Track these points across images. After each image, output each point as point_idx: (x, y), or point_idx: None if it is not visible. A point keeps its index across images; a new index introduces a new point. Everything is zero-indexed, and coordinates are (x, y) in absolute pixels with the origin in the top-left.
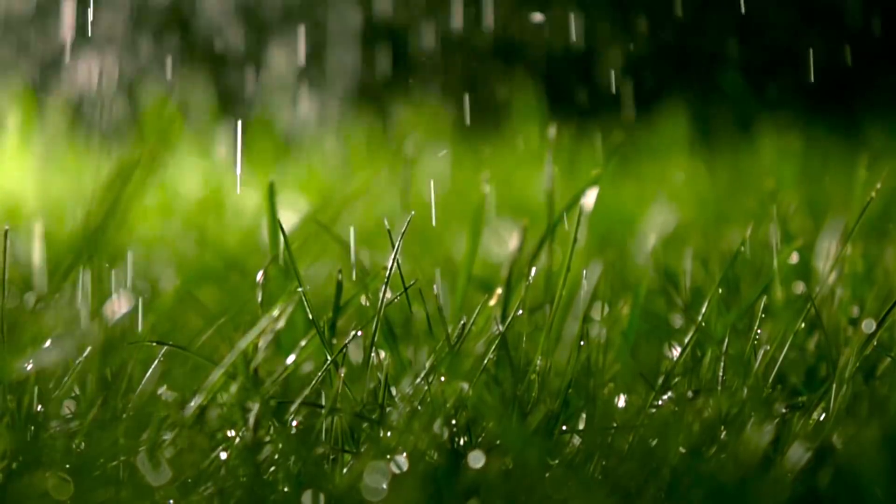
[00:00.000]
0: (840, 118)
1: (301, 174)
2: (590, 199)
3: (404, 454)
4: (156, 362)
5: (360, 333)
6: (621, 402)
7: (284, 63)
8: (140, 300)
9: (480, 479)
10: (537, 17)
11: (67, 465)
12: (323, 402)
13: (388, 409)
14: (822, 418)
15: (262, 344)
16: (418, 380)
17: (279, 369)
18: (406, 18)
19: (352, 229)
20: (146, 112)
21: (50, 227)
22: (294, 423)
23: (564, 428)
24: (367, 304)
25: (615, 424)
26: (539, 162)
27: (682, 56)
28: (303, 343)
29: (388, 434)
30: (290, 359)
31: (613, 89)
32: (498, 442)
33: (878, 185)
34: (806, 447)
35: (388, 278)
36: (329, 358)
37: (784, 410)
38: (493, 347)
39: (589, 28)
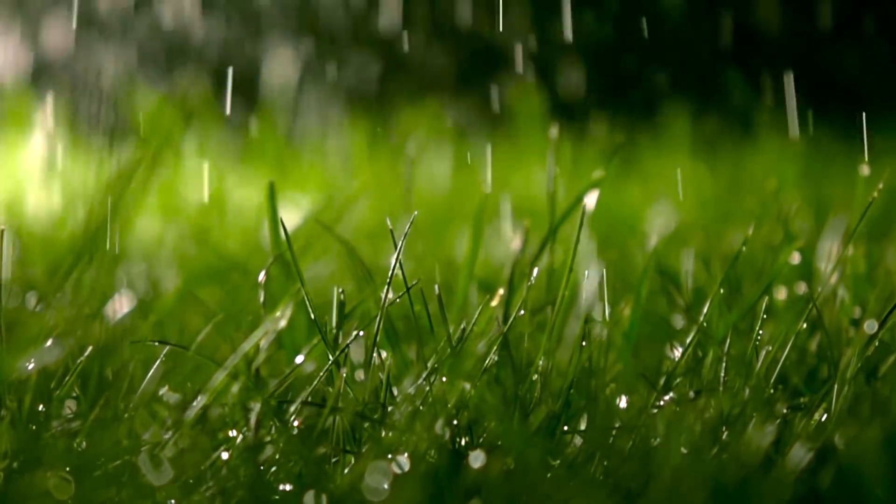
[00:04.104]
0: (841, 118)
1: (303, 174)
2: (592, 199)
3: (406, 454)
4: (157, 362)
5: (362, 334)
6: (623, 402)
7: (287, 62)
8: (141, 300)
9: (482, 480)
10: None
11: (68, 465)
12: (324, 402)
13: (389, 409)
14: (823, 419)
15: (263, 344)
16: (420, 380)
17: (282, 372)
18: (409, 19)
19: (354, 229)
20: (148, 112)
21: (51, 227)
22: (295, 423)
23: (566, 428)
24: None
25: (617, 425)
26: (541, 162)
27: (683, 56)
28: (307, 350)
29: (390, 434)
30: (299, 359)
31: (615, 90)
32: (499, 442)
33: (880, 185)
34: (807, 448)
35: (391, 279)
36: (331, 358)
37: (786, 411)
38: (495, 348)
39: (591, 28)
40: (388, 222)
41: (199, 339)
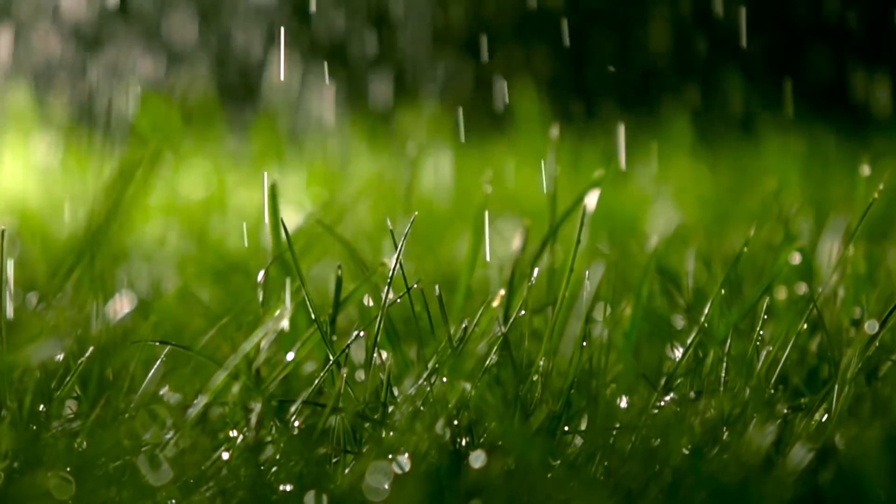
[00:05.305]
0: (842, 118)
1: (304, 175)
2: (592, 199)
3: (406, 454)
4: (158, 362)
5: (362, 334)
6: (623, 402)
7: (288, 63)
8: (142, 300)
9: (482, 480)
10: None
11: (69, 465)
12: (325, 402)
13: (390, 409)
14: (824, 419)
15: (264, 344)
16: (421, 380)
17: (280, 368)
18: (409, 19)
19: (354, 230)
20: (148, 111)
21: (52, 226)
22: (296, 423)
23: (566, 428)
24: (370, 303)
25: (617, 425)
26: (542, 162)
27: (684, 56)
28: (301, 342)
29: (391, 434)
30: (290, 356)
31: (616, 90)
32: (500, 442)
33: (881, 186)
34: (808, 448)
35: (391, 278)
36: (331, 357)
37: (786, 411)
38: (496, 348)
39: (591, 29)
40: (389, 223)
41: (201, 341)
